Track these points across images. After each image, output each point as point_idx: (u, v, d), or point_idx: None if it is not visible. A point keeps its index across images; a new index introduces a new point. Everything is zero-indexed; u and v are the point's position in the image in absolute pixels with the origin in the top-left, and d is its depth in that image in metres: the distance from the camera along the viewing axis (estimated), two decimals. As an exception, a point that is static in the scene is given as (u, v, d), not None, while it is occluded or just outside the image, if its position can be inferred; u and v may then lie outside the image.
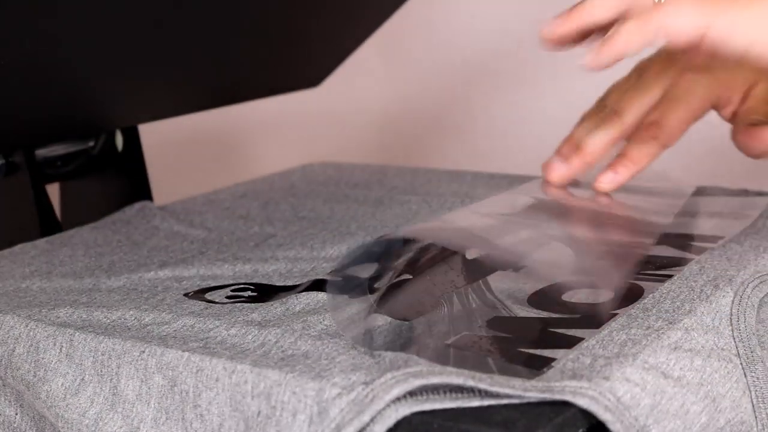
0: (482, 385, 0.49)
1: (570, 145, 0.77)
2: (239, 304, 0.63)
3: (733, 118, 0.75)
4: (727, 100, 0.75)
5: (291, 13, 0.94)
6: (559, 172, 0.76)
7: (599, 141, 0.75)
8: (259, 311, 0.61)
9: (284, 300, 0.63)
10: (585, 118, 0.78)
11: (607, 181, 0.75)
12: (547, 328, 0.57)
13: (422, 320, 0.58)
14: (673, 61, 0.75)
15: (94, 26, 0.77)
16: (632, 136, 0.76)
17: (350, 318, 0.58)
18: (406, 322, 0.58)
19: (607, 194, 0.76)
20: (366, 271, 0.62)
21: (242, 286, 0.67)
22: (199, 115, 1.01)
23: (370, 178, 0.94)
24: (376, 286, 0.61)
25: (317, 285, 0.66)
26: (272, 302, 0.63)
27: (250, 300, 0.64)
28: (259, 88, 1.02)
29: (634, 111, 0.75)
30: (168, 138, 1.40)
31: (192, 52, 0.89)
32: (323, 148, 1.53)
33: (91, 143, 0.91)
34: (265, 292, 0.66)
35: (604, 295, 0.61)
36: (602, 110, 0.77)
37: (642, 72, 0.77)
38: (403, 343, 0.56)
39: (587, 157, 0.76)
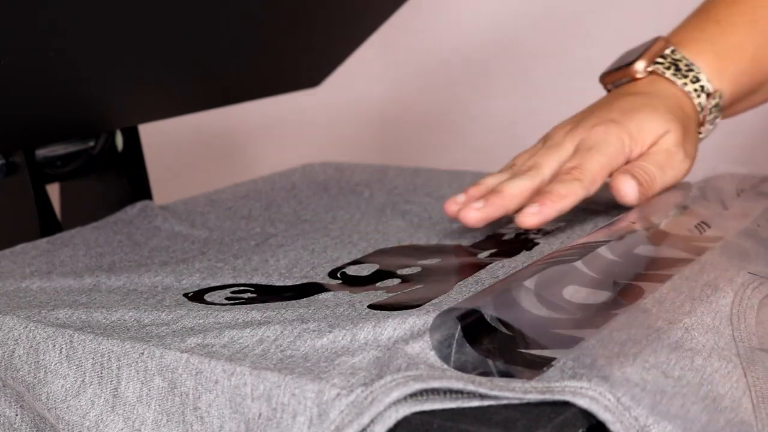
0: (482, 389, 0.49)
1: (480, 189, 0.75)
2: (238, 305, 0.63)
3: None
4: (632, 151, 0.75)
5: (291, 13, 0.94)
6: (477, 215, 0.72)
7: (519, 186, 0.73)
8: (258, 309, 0.61)
9: (285, 303, 0.63)
10: (493, 175, 0.77)
11: (533, 212, 0.70)
12: (547, 328, 0.57)
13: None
14: (579, 122, 0.76)
15: (94, 26, 0.77)
16: (553, 180, 0.73)
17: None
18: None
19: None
20: None
21: (242, 288, 0.67)
22: (199, 115, 1.01)
23: (370, 178, 0.94)
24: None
25: (317, 287, 0.66)
26: (272, 303, 0.63)
27: (250, 302, 0.64)
28: (259, 88, 1.02)
29: (549, 163, 0.75)
30: (168, 138, 1.40)
31: (192, 52, 0.89)
32: (323, 148, 1.53)
33: (91, 143, 0.91)
34: (264, 293, 0.65)
35: (604, 295, 0.61)
36: (512, 168, 0.76)
37: (548, 139, 0.78)
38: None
39: (506, 199, 0.72)
